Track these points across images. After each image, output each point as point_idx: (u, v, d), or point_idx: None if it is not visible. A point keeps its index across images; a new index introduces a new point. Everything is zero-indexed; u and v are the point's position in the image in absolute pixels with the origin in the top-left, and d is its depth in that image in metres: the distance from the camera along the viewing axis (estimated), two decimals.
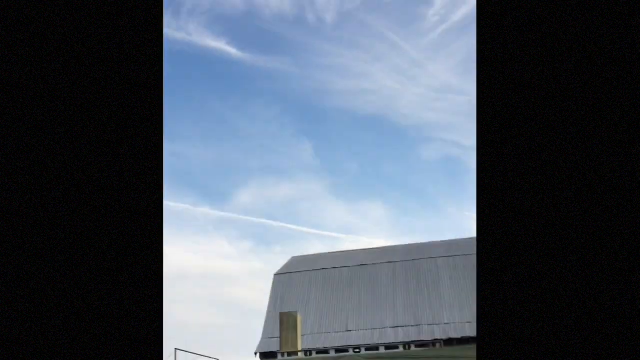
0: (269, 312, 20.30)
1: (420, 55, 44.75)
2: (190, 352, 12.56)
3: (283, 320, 12.76)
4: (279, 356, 17.33)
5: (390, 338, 18.37)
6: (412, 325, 18.59)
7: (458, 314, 18.40)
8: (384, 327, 18.80)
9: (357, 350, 18.00)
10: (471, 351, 9.75)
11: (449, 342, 17.57)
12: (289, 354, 14.36)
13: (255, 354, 19.10)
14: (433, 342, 17.83)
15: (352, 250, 23.54)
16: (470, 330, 17.43)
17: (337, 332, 19.21)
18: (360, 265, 20.96)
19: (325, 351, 18.14)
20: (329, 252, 23.70)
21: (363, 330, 18.97)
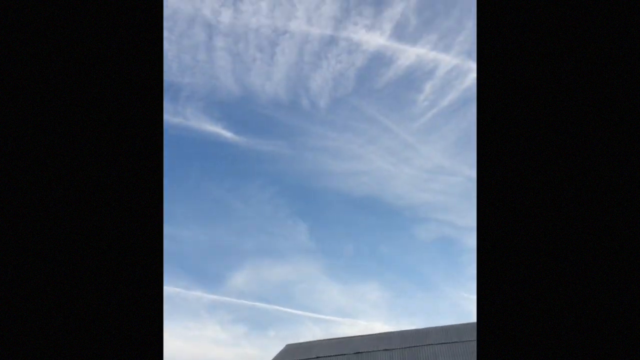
0: None
1: (412, 138, 45.86)
2: None
3: None
4: None
5: None
6: None
7: None
8: None
9: None
10: None
11: None
12: None
13: None
14: None
15: (348, 337, 22.87)
16: None
17: None
18: (357, 353, 20.29)
19: None
20: (324, 339, 23.01)
21: None
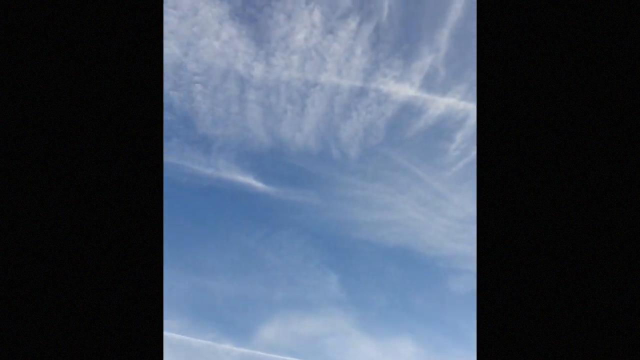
0: None
1: (443, 188, 45.47)
2: None
3: None
4: None
5: None
6: None
7: None
8: None
9: None
10: None
11: None
12: None
13: None
14: None
15: None
16: None
17: None
18: None
19: None
20: None
21: None
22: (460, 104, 42.42)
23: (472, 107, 42.18)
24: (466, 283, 48.11)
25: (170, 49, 27.61)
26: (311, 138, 46.96)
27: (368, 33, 37.32)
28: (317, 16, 30.70)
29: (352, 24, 33.78)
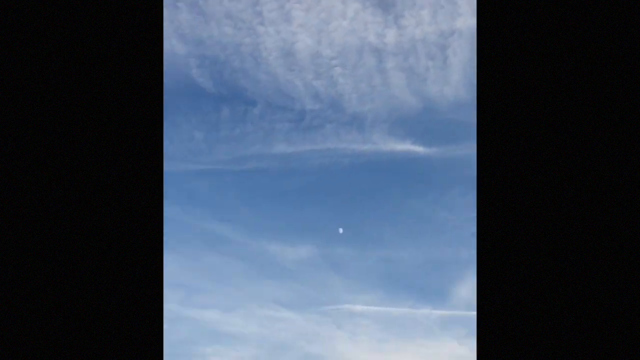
0: None
1: None
2: None
3: None
4: None
5: None
6: None
7: None
8: None
9: None
10: None
11: None
12: None
13: None
14: None
15: None
16: None
17: None
18: None
19: None
20: None
21: None
22: None
23: None
24: None
25: (304, 42, 28.59)
26: (460, 89, 44.75)
27: None
28: None
29: None
